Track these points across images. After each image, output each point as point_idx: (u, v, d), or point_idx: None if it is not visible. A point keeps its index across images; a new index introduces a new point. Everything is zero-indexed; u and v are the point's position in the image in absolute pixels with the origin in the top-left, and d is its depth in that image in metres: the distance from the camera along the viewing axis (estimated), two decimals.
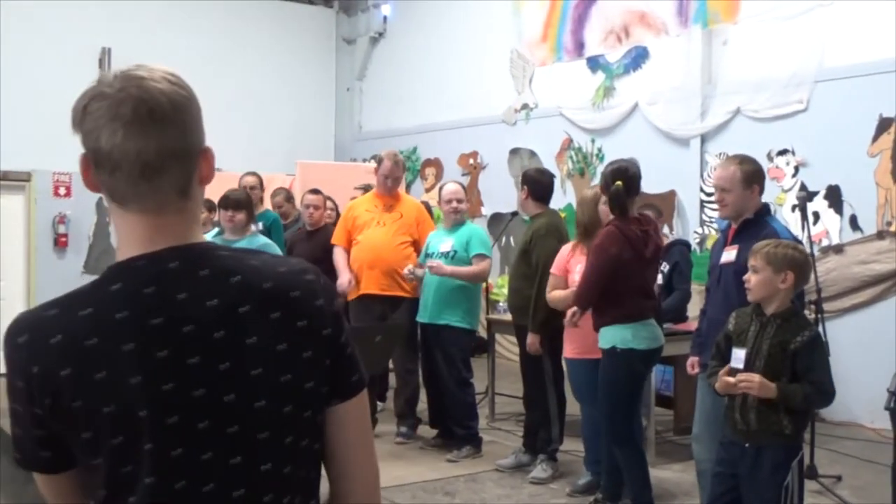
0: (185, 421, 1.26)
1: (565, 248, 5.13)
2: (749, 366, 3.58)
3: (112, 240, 10.98)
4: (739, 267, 3.92)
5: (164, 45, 11.15)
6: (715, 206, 8.06)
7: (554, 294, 4.99)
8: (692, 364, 4.41)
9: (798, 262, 3.53)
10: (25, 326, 1.29)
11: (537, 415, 5.63)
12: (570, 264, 5.01)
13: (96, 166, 1.30)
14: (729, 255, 4.11)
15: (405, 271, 6.00)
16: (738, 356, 3.64)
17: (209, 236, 7.46)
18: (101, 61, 10.95)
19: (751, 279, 3.56)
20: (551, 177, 5.76)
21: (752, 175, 4.17)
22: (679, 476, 5.63)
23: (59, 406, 1.25)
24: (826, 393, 3.54)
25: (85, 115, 1.29)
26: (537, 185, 5.56)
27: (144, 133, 1.27)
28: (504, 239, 9.43)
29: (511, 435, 6.53)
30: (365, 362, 1.47)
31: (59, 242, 10.73)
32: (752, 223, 4.12)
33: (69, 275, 10.62)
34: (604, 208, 4.77)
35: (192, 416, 1.27)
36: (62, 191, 10.73)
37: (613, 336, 4.54)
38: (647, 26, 8.78)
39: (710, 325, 4.20)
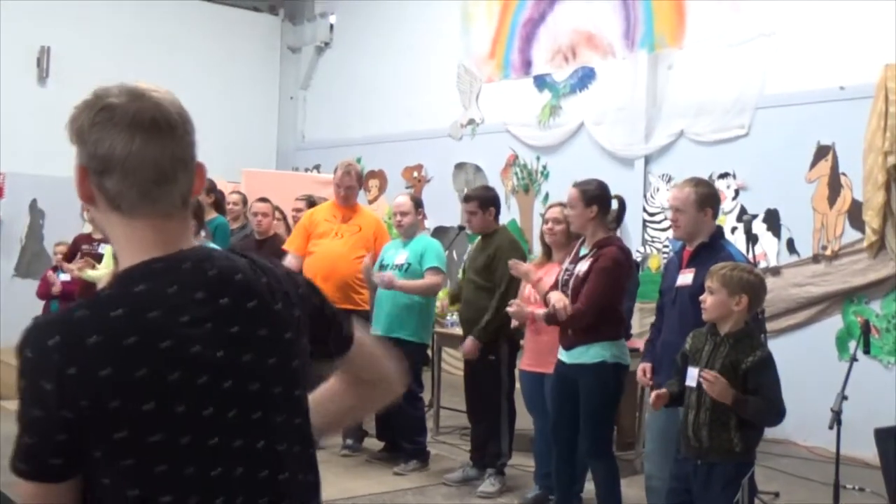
0: (219, 412, 1.35)
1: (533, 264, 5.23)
2: (699, 385, 3.68)
3: (44, 243, 10.71)
4: (695, 290, 4.01)
5: (103, 46, 10.98)
6: (658, 226, 8.32)
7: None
8: (643, 370, 4.47)
9: (753, 286, 3.63)
10: (55, 329, 1.30)
11: (484, 428, 5.67)
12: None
13: (101, 174, 1.35)
14: (685, 278, 4.20)
15: (363, 263, 5.97)
16: (692, 374, 3.74)
17: None
18: (38, 60, 10.73)
19: (707, 300, 3.65)
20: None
21: (706, 198, 4.27)
22: (624, 490, 5.68)
23: (97, 407, 1.27)
24: (776, 411, 3.63)
25: (93, 125, 1.34)
26: (495, 202, 5.66)
27: (161, 141, 1.36)
28: (446, 253, 9.45)
29: (456, 448, 6.56)
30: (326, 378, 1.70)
31: None
32: (707, 246, 4.22)
33: (0, 277, 10.35)
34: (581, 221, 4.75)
35: (224, 406, 1.36)
36: None
37: (603, 352, 4.54)
38: (594, 48, 8.93)
39: (664, 347, 4.28)
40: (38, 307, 8.66)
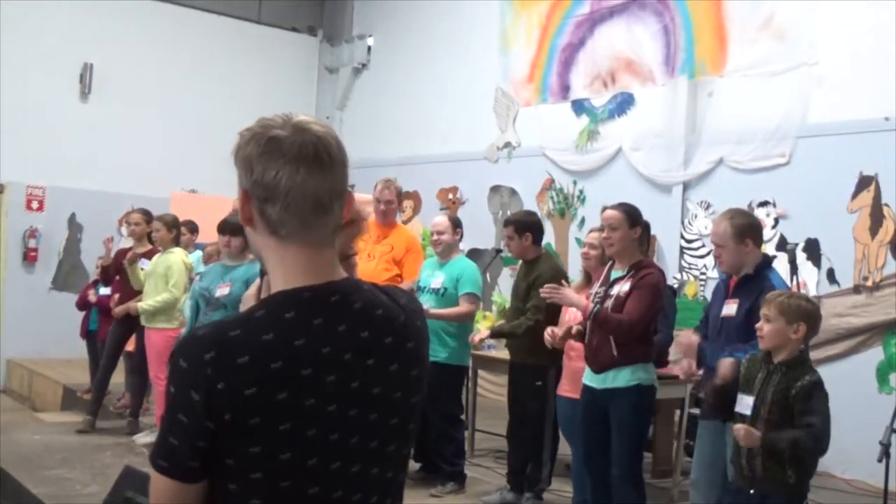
0: (342, 437, 1.44)
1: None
2: (755, 412, 3.66)
3: (81, 257, 10.83)
4: (739, 321, 4.03)
5: (145, 64, 11.14)
6: (695, 252, 8.29)
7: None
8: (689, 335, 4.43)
9: (811, 314, 3.62)
10: (211, 344, 1.39)
11: (523, 452, 5.65)
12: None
13: (265, 201, 1.45)
14: (729, 308, 4.20)
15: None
16: (746, 402, 3.72)
17: (194, 258, 7.43)
18: (82, 76, 10.89)
19: (763, 328, 3.63)
20: (539, 217, 5.95)
21: (743, 229, 4.25)
22: None
23: (238, 421, 1.37)
24: (818, 438, 3.55)
25: (261, 155, 1.44)
26: (537, 228, 5.68)
27: (322, 174, 1.45)
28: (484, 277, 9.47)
29: (491, 472, 6.53)
30: None
31: (29, 257, 10.58)
32: (751, 277, 4.21)
33: (37, 290, 10.49)
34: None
35: (348, 433, 1.44)
36: (35, 204, 10.60)
37: (636, 375, 4.55)
38: (633, 73, 8.95)
39: (707, 376, 4.27)
40: (72, 321, 8.78)
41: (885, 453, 4.38)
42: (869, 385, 7.03)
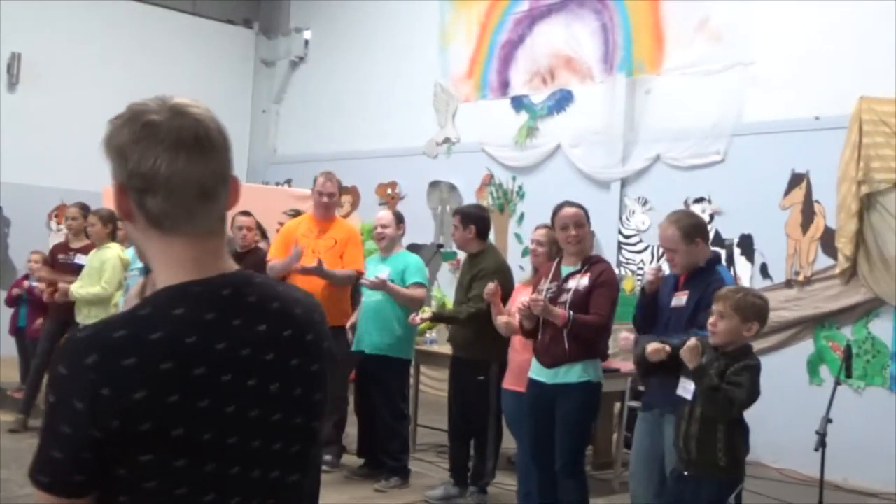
0: (242, 441, 1.34)
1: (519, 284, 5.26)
2: (695, 398, 3.75)
3: (9, 252, 10.53)
4: (689, 312, 4.09)
5: (74, 54, 10.89)
6: (633, 248, 8.42)
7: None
8: (626, 339, 4.53)
9: (764, 313, 3.70)
10: (93, 347, 1.28)
11: (465, 447, 5.69)
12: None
13: (143, 192, 1.33)
14: (679, 300, 4.26)
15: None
16: (688, 388, 3.79)
17: (131, 253, 7.28)
18: (9, 66, 10.58)
19: (717, 324, 3.67)
20: (489, 212, 5.93)
21: (690, 230, 4.32)
22: None
23: (127, 428, 1.26)
24: (731, 400, 3.57)
25: (137, 143, 1.32)
26: (482, 222, 5.70)
27: (205, 159, 1.35)
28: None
29: (434, 466, 6.55)
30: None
31: None
32: (703, 270, 4.29)
33: None
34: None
35: (248, 436, 1.34)
36: None
37: (587, 371, 4.61)
38: (572, 71, 9.05)
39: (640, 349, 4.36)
40: (2, 316, 8.53)
41: (822, 443, 4.50)
42: (800, 377, 7.23)
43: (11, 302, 8.41)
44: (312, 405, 1.44)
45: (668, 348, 3.90)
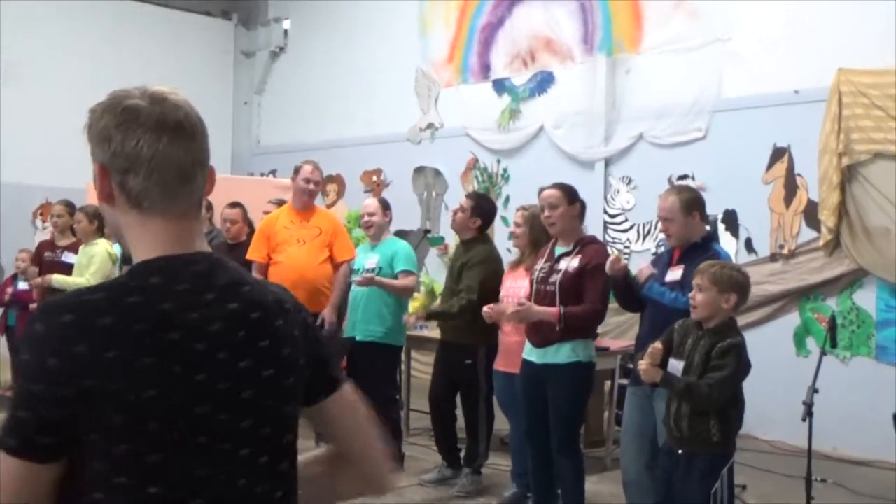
0: (212, 412, 1.36)
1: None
2: (684, 375, 3.79)
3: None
4: (685, 287, 4.11)
5: (55, 51, 10.82)
6: (618, 227, 8.47)
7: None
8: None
9: (741, 285, 3.75)
10: (69, 307, 1.32)
11: (451, 428, 5.80)
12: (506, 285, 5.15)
13: (125, 172, 1.40)
14: (674, 275, 4.30)
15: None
16: (676, 367, 3.84)
17: (119, 248, 7.27)
18: None
19: (696, 297, 3.75)
20: (496, 208, 6.04)
21: (690, 202, 4.37)
22: (595, 487, 5.81)
23: (100, 388, 1.28)
24: (712, 388, 3.61)
25: (119, 126, 1.39)
26: (488, 218, 5.77)
27: (185, 143, 1.42)
28: None
29: (428, 450, 6.59)
30: None
31: None
32: (698, 246, 4.32)
33: None
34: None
35: (217, 407, 1.37)
36: None
37: (576, 352, 4.64)
38: (552, 52, 9.06)
39: (647, 340, 4.38)
40: None
41: (809, 412, 4.56)
42: (787, 349, 7.31)
43: (1, 302, 8.40)
44: (284, 389, 1.46)
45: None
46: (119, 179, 1.40)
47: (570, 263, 4.65)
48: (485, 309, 5.03)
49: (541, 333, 4.68)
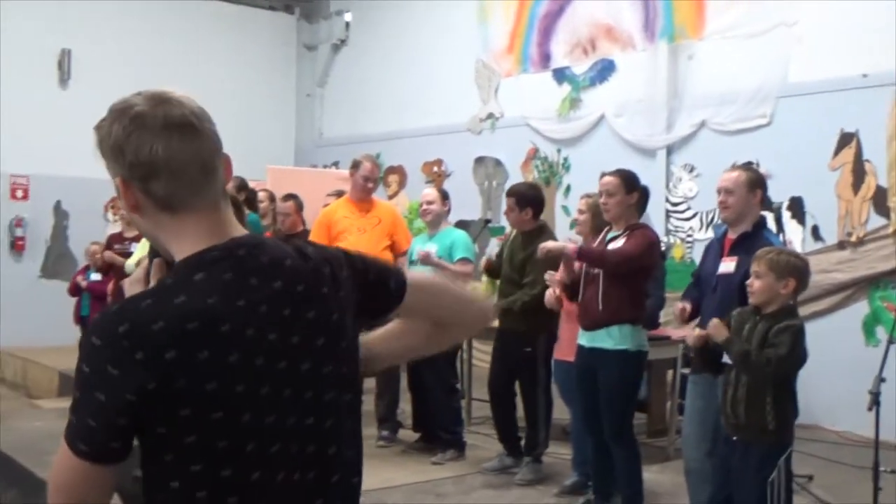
0: (274, 390, 1.42)
1: None
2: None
3: (69, 244, 10.82)
4: (739, 279, 4.05)
5: (121, 48, 11.08)
6: (681, 216, 8.37)
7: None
8: (683, 308, 4.44)
9: (799, 270, 3.71)
10: (124, 317, 1.36)
11: (509, 416, 5.78)
12: None
13: (146, 179, 1.41)
14: (727, 266, 4.24)
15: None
16: None
17: None
18: (60, 63, 10.83)
19: (753, 284, 3.72)
20: (541, 190, 5.96)
21: (755, 181, 4.33)
22: (657, 477, 5.78)
23: (163, 387, 1.34)
24: (770, 362, 3.59)
25: (129, 136, 1.41)
26: (538, 203, 5.72)
27: (196, 136, 1.44)
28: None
29: (489, 438, 6.60)
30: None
31: (17, 246, 10.56)
32: (749, 235, 4.27)
33: (26, 278, 10.47)
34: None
35: (278, 386, 1.42)
36: (19, 193, 10.58)
37: (626, 337, 4.62)
38: (613, 40, 8.99)
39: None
40: (63, 308, 8.80)
41: (875, 402, 4.47)
42: (856, 339, 7.16)
43: (75, 291, 8.69)
44: (340, 353, 1.51)
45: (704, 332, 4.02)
46: (143, 187, 1.42)
47: (616, 244, 4.67)
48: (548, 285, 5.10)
49: (588, 314, 4.70)
